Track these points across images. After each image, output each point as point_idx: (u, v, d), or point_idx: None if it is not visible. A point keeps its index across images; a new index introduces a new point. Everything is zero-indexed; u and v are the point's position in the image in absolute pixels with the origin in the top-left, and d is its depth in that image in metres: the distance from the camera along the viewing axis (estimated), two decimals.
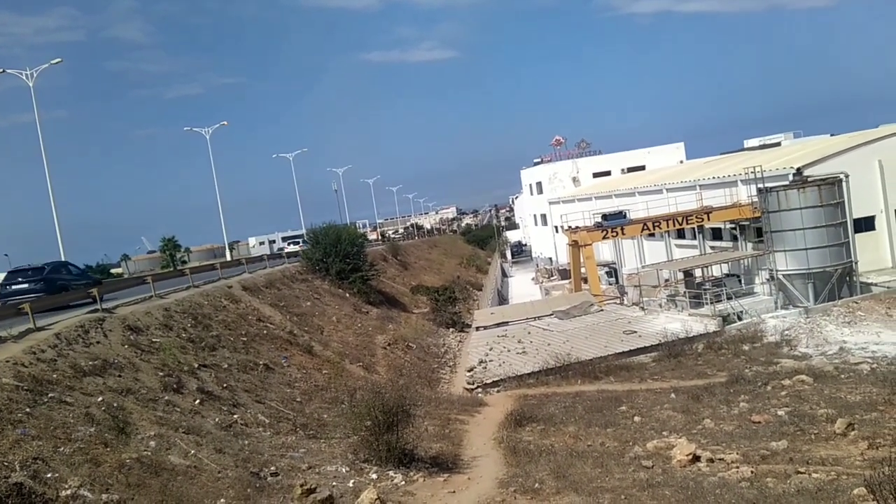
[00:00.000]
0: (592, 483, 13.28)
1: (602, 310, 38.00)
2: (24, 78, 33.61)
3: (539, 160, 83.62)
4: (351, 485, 12.93)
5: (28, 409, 11.78)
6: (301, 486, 11.91)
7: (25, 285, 23.61)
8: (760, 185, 37.03)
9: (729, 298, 35.42)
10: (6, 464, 9.62)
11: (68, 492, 9.63)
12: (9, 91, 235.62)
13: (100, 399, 13.51)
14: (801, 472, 13.01)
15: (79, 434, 11.54)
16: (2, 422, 10.97)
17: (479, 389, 26.78)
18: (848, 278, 35.49)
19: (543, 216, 78.12)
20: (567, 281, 53.43)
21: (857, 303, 31.34)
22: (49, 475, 9.87)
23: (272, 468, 13.28)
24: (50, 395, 12.78)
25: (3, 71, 33.84)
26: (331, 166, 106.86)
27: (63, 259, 35.94)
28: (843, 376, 21.52)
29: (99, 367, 15.34)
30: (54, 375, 13.84)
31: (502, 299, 64.48)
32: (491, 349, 31.86)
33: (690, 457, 14.39)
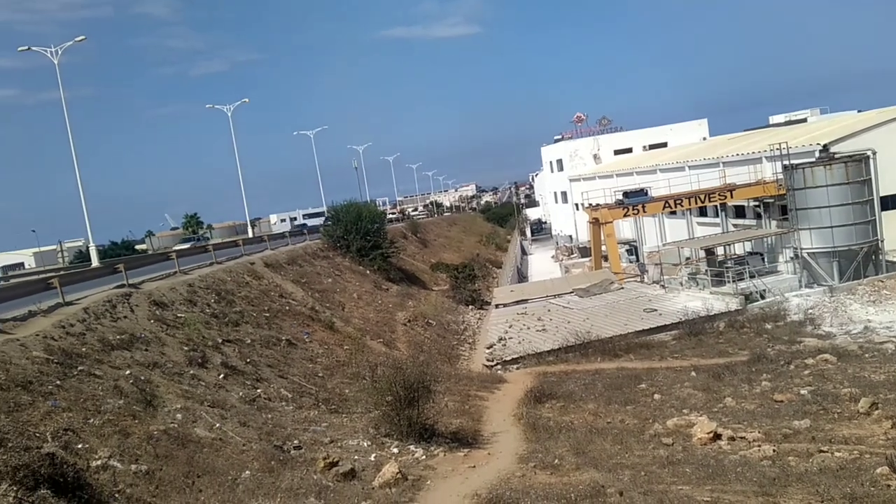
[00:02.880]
0: (612, 460, 13.34)
1: (622, 288, 37.85)
2: (49, 55, 33.77)
3: (560, 137, 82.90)
4: (372, 459, 13.11)
5: (58, 382, 12.03)
6: (324, 459, 12.10)
7: None
8: (786, 162, 36.50)
9: (752, 277, 35.08)
10: (38, 434, 9.85)
11: (98, 462, 9.86)
12: (36, 69, 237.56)
13: (127, 372, 13.78)
14: (824, 451, 12.97)
15: (108, 406, 11.79)
16: (33, 394, 11.23)
17: (499, 366, 26.90)
18: (874, 257, 35.01)
19: (564, 193, 77.62)
20: (587, 259, 53.19)
21: (882, 281, 30.95)
22: (80, 446, 10.11)
23: (295, 441, 13.49)
24: (79, 368, 13.05)
25: (29, 48, 34.00)
26: (351, 143, 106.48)
27: (91, 239, 36.66)
28: (867, 355, 21.34)
29: (126, 341, 15.61)
30: (83, 349, 14.11)
31: (522, 277, 64.39)
32: (510, 326, 31.92)
33: (711, 435, 14.39)
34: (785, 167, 36.49)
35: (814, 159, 36.08)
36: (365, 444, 14.11)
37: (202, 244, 47.31)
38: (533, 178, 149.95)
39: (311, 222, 56.54)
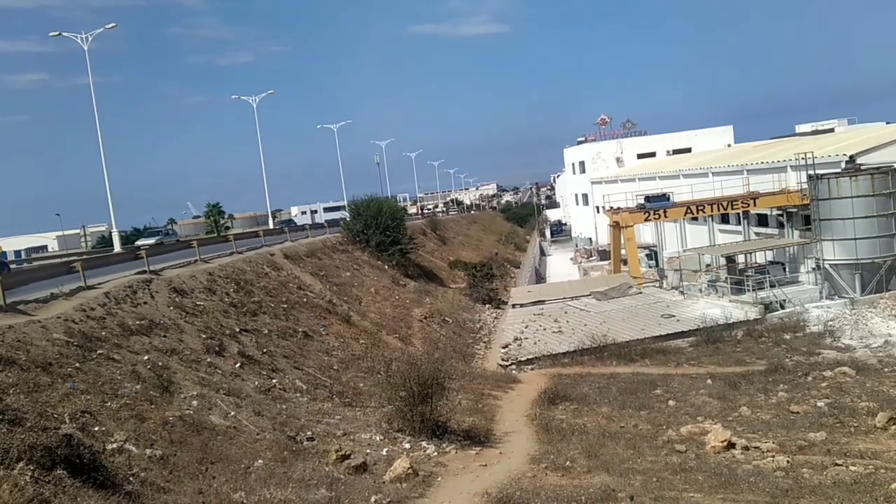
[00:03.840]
0: (624, 464, 13.29)
1: (641, 292, 37.64)
2: (79, 42, 34.21)
3: (583, 139, 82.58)
4: (384, 453, 13.16)
5: (77, 365, 12.21)
6: (336, 451, 12.18)
7: None
8: (811, 172, 36.09)
9: (772, 286, 34.73)
10: (56, 416, 10.00)
11: (114, 445, 9.99)
12: (67, 54, 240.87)
13: (145, 358, 13.94)
14: (839, 465, 12.84)
15: (125, 390, 11.94)
16: (53, 375, 11.40)
17: (514, 366, 26.87)
18: None
19: (585, 196, 77.30)
20: (606, 262, 52.95)
21: None
22: (96, 429, 10.25)
23: (308, 433, 13.58)
24: (98, 351, 13.23)
25: (59, 34, 34.45)
26: (374, 138, 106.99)
27: (115, 224, 37.12)
28: (886, 370, 21.07)
29: (145, 326, 15.80)
30: (103, 333, 14.31)
31: (540, 278, 64.23)
32: (526, 327, 31.86)
33: (725, 443, 14.29)
34: (810, 177, 36.07)
35: (839, 170, 35.64)
36: (377, 438, 14.17)
37: (172, 239, 44.33)
38: (554, 180, 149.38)
39: (331, 216, 55.94)
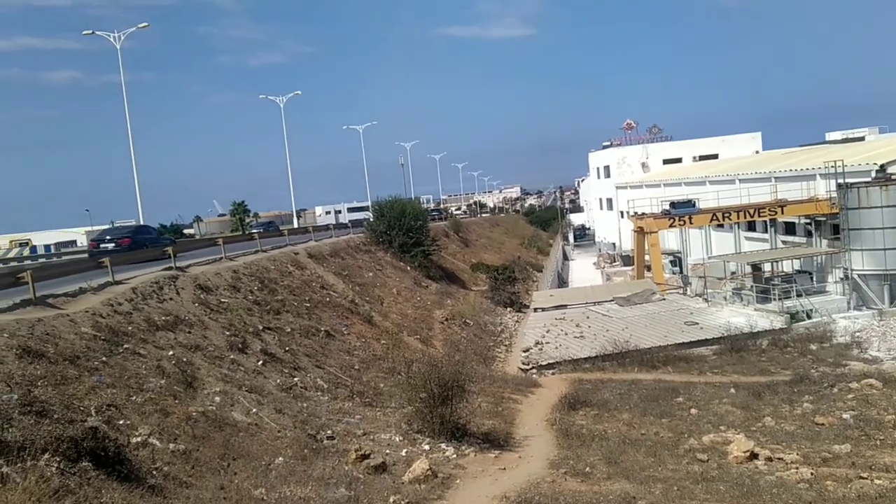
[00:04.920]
0: (645, 472, 13.19)
1: (664, 299, 37.35)
2: (111, 40, 34.79)
3: (608, 143, 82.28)
4: (403, 454, 13.18)
5: (104, 359, 12.39)
6: (356, 451, 12.22)
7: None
8: (840, 181, 35.61)
9: (799, 295, 34.31)
10: (83, 408, 10.15)
11: (138, 439, 10.13)
12: (100, 52, 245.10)
13: (170, 353, 14.11)
14: (864, 478, 12.64)
15: (150, 385, 12.09)
16: (80, 368, 11.58)
17: (534, 370, 26.78)
18: None
19: (609, 200, 76.93)
20: (629, 267, 52.61)
21: None
22: (121, 422, 10.39)
23: (328, 432, 13.65)
24: (125, 346, 13.41)
25: (93, 32, 35.09)
26: (399, 140, 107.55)
27: (142, 220, 37.67)
28: None
29: (171, 322, 15.99)
30: (129, 328, 14.50)
31: (562, 282, 63.98)
32: (548, 331, 31.75)
33: (748, 454, 14.13)
34: (839, 185, 35.60)
35: (869, 179, 35.13)
36: (397, 438, 14.20)
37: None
38: (579, 184, 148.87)
39: (354, 216, 56.01)
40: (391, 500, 10.52)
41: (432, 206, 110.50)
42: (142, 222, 38.75)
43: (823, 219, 38.26)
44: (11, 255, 32.38)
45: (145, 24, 37.11)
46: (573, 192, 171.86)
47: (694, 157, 74.06)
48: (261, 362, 16.71)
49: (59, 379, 10.75)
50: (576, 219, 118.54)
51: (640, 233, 43.76)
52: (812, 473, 12.97)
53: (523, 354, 29.01)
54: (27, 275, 14.91)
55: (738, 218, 41.65)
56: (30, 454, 7.73)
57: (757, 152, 70.89)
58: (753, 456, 14.14)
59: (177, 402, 12.02)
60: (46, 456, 7.84)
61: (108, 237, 29.22)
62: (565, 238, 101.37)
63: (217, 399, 12.99)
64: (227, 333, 17.33)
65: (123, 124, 35.44)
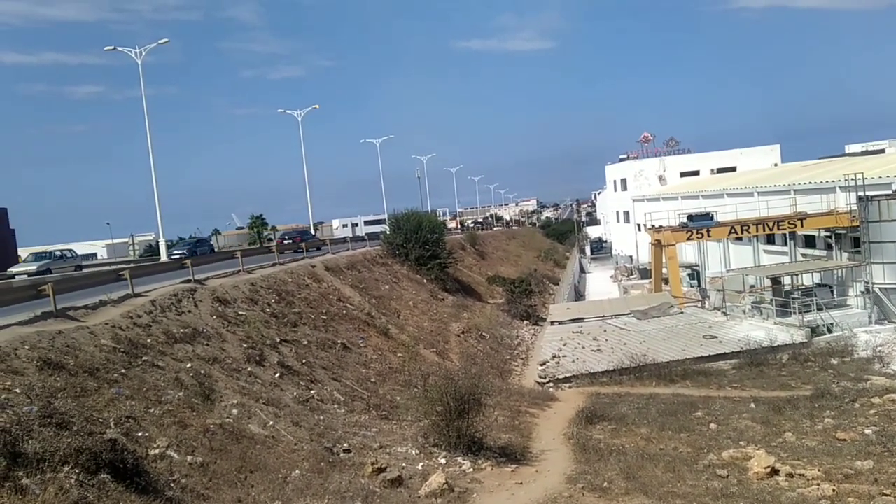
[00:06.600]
0: (663, 487, 13.05)
1: (682, 312, 37.08)
2: (133, 56, 35.28)
3: (625, 156, 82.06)
4: (420, 467, 13.15)
5: (123, 371, 12.49)
6: (372, 464, 12.22)
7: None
8: (860, 193, 35.27)
9: (819, 309, 33.90)
10: (102, 420, 10.22)
11: (156, 451, 10.18)
12: (123, 67, 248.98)
13: (188, 365, 14.20)
14: (886, 495, 12.41)
15: (168, 397, 12.17)
16: (99, 380, 11.67)
17: (551, 384, 26.63)
18: None
19: (626, 213, 76.64)
20: (647, 281, 52.32)
21: None
22: (140, 434, 10.46)
23: (345, 445, 13.65)
24: (143, 358, 13.51)
25: (114, 48, 35.61)
26: (415, 153, 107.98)
27: (161, 234, 38.07)
28: None
29: (189, 335, 16.10)
30: (148, 340, 14.62)
31: (579, 295, 63.75)
32: (565, 344, 31.61)
33: (768, 470, 13.93)
34: (860, 198, 35.26)
35: (890, 192, 34.77)
36: (413, 452, 14.17)
37: (68, 265, 35.10)
38: (595, 196, 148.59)
39: (371, 229, 56.88)
40: None
41: (448, 218, 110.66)
42: (161, 236, 39.16)
43: (844, 232, 37.86)
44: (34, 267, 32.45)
45: (166, 39, 37.74)
46: (590, 204, 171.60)
47: (711, 170, 73.67)
48: (278, 375, 16.77)
49: (79, 391, 10.84)
50: (592, 231, 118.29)
51: (658, 246, 43.53)
52: (834, 490, 12.76)
53: (540, 368, 28.88)
54: (48, 287, 15.10)
55: (757, 231, 41.31)
56: (49, 466, 7.79)
57: (775, 165, 70.39)
58: (774, 472, 13.95)
59: (194, 414, 12.08)
60: (66, 468, 7.89)
61: (286, 235, 50.56)
62: (582, 251, 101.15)
63: (234, 411, 13.04)
64: (245, 346, 17.41)
65: (146, 138, 35.86)
